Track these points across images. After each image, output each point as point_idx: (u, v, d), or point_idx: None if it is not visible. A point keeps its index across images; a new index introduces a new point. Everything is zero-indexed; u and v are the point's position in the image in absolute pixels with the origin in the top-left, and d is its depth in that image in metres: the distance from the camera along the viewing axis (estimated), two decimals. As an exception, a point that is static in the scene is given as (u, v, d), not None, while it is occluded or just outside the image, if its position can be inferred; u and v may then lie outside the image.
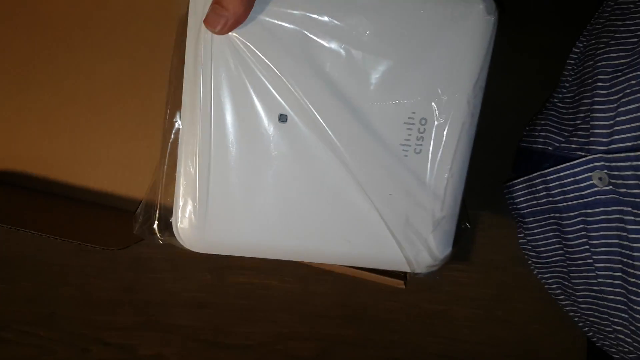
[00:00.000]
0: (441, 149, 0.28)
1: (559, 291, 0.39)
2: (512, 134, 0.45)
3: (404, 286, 0.37)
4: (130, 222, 0.38)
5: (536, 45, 0.45)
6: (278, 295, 0.48)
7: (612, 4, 0.36)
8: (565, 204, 0.34)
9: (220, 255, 0.48)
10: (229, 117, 0.27)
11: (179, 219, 0.28)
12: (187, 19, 0.26)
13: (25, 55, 0.39)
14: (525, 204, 0.38)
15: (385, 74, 0.26)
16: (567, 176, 0.33)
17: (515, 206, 0.39)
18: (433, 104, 0.27)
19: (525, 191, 0.37)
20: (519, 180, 0.38)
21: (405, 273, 0.38)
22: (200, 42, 0.26)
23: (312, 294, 0.48)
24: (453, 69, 0.27)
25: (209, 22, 0.25)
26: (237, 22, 0.25)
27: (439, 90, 0.27)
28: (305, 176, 0.28)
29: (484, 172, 0.45)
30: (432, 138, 0.28)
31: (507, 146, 0.45)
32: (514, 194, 0.39)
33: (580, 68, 0.37)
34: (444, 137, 0.28)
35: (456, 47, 0.27)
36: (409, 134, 0.27)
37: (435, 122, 0.28)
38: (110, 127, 0.39)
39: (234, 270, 0.48)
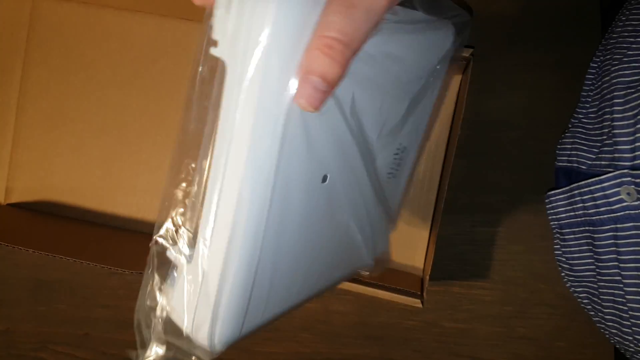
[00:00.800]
0: (407, 170, 0.31)
1: (590, 306, 0.40)
2: (523, 151, 0.46)
3: (421, 305, 0.38)
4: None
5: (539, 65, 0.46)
6: (299, 315, 0.50)
7: (624, 19, 0.38)
8: (597, 217, 0.35)
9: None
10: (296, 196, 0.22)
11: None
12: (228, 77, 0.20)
13: (59, 94, 0.44)
14: (564, 215, 0.40)
15: (397, 120, 0.27)
16: (597, 190, 0.34)
17: (555, 216, 0.41)
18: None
19: (565, 202, 0.39)
20: (559, 190, 0.39)
21: (422, 292, 0.40)
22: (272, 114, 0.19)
23: (333, 313, 0.50)
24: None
25: (309, 101, 0.19)
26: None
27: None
28: (329, 232, 0.25)
29: (500, 189, 0.46)
30: (405, 163, 0.30)
31: (520, 164, 0.46)
32: (555, 204, 0.40)
33: (599, 83, 0.39)
34: (409, 161, 0.30)
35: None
36: (395, 163, 0.30)
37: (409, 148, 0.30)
38: (138, 158, 0.43)
39: (256, 291, 0.51)
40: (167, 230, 0.24)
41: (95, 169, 0.43)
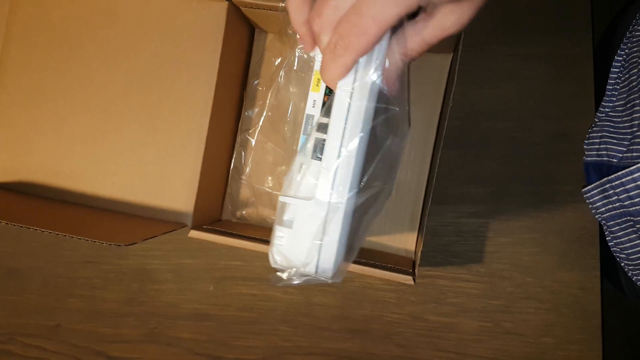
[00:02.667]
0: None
1: None
2: (512, 143, 0.48)
3: (412, 282, 0.38)
4: (138, 223, 0.42)
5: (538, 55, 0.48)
6: (280, 307, 0.50)
7: None
8: (634, 207, 0.36)
9: (223, 265, 0.51)
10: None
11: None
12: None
13: (41, 70, 0.44)
14: (604, 208, 0.41)
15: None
16: (628, 182, 0.35)
17: (596, 211, 0.43)
18: None
19: (601, 196, 0.41)
20: (592, 186, 0.41)
21: (414, 269, 0.40)
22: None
23: (315, 306, 0.50)
24: None
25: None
26: None
27: None
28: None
29: (487, 180, 0.48)
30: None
31: (508, 155, 0.48)
32: (592, 199, 0.42)
33: (627, 75, 0.40)
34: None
35: None
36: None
37: None
38: (119, 136, 0.43)
39: (237, 281, 0.51)
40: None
41: (76, 148, 0.43)
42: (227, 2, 0.42)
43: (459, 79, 0.38)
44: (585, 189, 0.43)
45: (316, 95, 0.31)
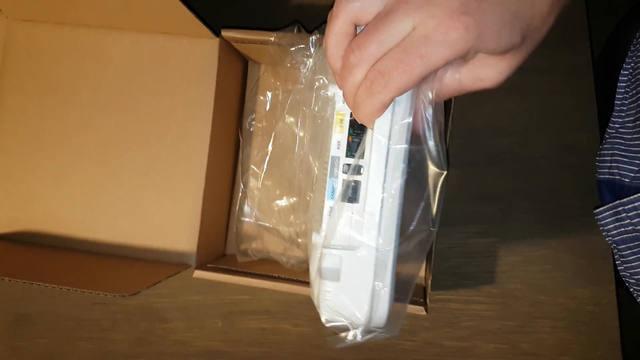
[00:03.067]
0: None
1: None
2: (516, 158, 0.47)
3: (425, 312, 0.38)
4: (141, 267, 0.42)
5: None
6: (291, 340, 0.50)
7: None
8: None
9: (231, 300, 0.51)
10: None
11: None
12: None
13: (37, 118, 0.44)
14: (615, 231, 0.41)
15: None
16: None
17: (607, 233, 0.42)
18: None
19: (613, 218, 0.40)
20: (603, 208, 0.40)
21: (425, 299, 0.40)
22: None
23: (326, 337, 0.49)
24: None
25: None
26: None
27: None
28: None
29: (493, 198, 0.47)
30: None
31: (513, 171, 0.47)
32: (603, 222, 0.42)
33: (634, 92, 0.40)
34: None
35: None
36: None
37: None
38: (119, 180, 0.43)
39: (246, 315, 0.50)
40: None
41: (76, 195, 0.43)
42: (218, 39, 0.42)
43: (458, 97, 0.38)
44: (597, 210, 0.42)
45: (340, 137, 0.30)
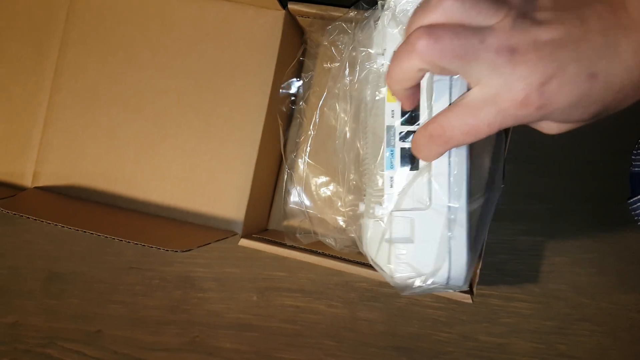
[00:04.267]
0: None
1: None
2: (572, 159, 0.47)
3: (470, 301, 0.38)
4: (190, 230, 0.42)
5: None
6: (324, 321, 0.50)
7: None
8: None
9: (267, 275, 0.51)
10: None
11: None
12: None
13: (96, 75, 0.45)
14: None
15: None
16: None
17: None
18: None
19: None
20: (638, 197, 0.40)
21: (471, 288, 0.40)
22: None
23: (360, 321, 0.50)
24: None
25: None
26: None
27: None
28: None
29: (545, 197, 0.47)
30: None
31: (568, 172, 0.47)
32: (638, 211, 0.42)
33: None
34: None
35: None
36: None
37: None
38: (173, 143, 0.44)
39: (281, 292, 0.51)
40: None
41: (129, 154, 0.44)
42: (283, 11, 0.43)
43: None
44: (632, 200, 0.42)
45: (393, 105, 0.31)
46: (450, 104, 0.27)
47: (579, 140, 0.47)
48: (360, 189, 0.40)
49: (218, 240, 0.41)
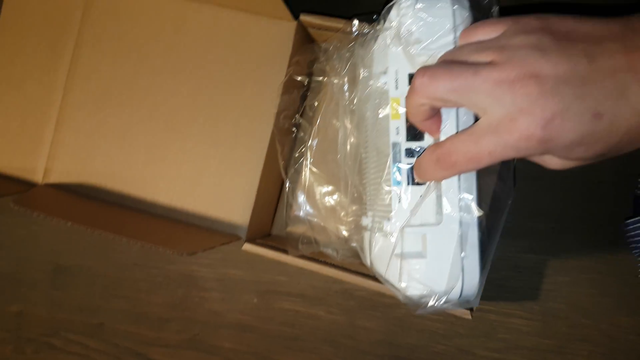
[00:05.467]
0: None
1: None
2: (579, 179, 0.47)
3: (469, 316, 0.39)
4: (195, 232, 0.44)
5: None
6: (323, 327, 0.52)
7: None
8: None
9: (268, 279, 0.52)
10: None
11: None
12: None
13: (109, 76, 0.46)
14: None
15: None
16: None
17: (635, 245, 0.42)
18: None
19: None
20: (637, 218, 0.41)
21: None
22: None
23: (358, 329, 0.51)
24: None
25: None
26: None
27: None
28: None
29: (550, 216, 0.48)
30: None
31: (574, 192, 0.48)
32: (634, 232, 0.42)
33: None
34: None
35: None
36: None
37: None
38: (182, 147, 0.45)
39: (281, 296, 0.52)
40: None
41: (139, 155, 0.46)
42: (295, 22, 0.44)
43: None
44: (630, 220, 0.42)
45: (398, 123, 0.32)
46: (457, 132, 0.28)
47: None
48: (362, 199, 0.41)
49: (223, 244, 0.42)
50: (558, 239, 0.47)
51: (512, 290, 0.48)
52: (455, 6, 0.29)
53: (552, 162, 0.27)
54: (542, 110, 0.22)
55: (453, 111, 0.28)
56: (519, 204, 0.48)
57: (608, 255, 0.47)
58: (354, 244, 0.43)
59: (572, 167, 0.27)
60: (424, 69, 0.25)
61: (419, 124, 0.29)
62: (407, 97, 0.27)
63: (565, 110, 0.22)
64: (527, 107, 0.23)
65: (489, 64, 0.23)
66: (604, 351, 0.47)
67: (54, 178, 0.47)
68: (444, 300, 0.29)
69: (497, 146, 0.24)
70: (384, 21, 0.33)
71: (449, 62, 0.25)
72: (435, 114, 0.28)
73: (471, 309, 0.39)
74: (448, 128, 0.29)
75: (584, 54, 0.23)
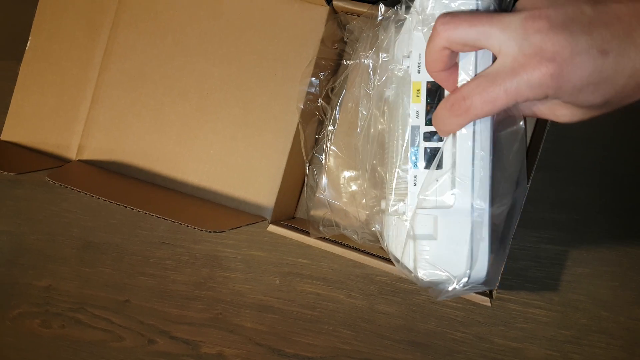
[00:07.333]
0: None
1: None
2: (603, 172, 0.48)
3: (489, 304, 0.40)
4: (223, 212, 0.45)
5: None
6: (343, 310, 0.53)
7: None
8: None
9: (291, 261, 0.54)
10: None
11: None
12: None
13: (144, 56, 0.48)
14: None
15: None
16: None
17: None
18: None
19: None
20: None
21: (491, 291, 0.42)
22: None
23: (378, 313, 0.52)
24: None
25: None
26: None
27: None
28: None
29: (572, 207, 0.48)
30: None
31: (598, 184, 0.48)
32: None
33: None
34: None
35: None
36: None
37: None
38: (213, 127, 0.46)
39: (303, 279, 0.54)
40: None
41: (170, 135, 0.47)
42: (328, 7, 0.45)
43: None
44: None
45: (418, 106, 0.32)
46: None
47: (609, 152, 0.48)
48: (383, 183, 0.42)
49: (249, 224, 0.43)
50: (579, 230, 0.48)
51: (532, 281, 0.48)
52: None
53: (562, 112, 0.28)
54: (552, 44, 0.24)
55: (471, 65, 0.29)
56: (541, 195, 0.48)
57: (629, 248, 0.47)
58: (373, 228, 0.44)
59: (582, 120, 0.28)
60: (446, 13, 0.27)
61: (437, 75, 0.29)
62: (428, 43, 0.28)
63: (575, 44, 0.24)
64: (539, 42, 0.24)
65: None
66: (622, 344, 0.47)
67: (87, 155, 0.49)
68: (463, 282, 0.30)
69: (512, 83, 0.25)
70: (408, 6, 0.34)
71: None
72: (453, 66, 0.28)
73: (490, 296, 0.40)
74: (465, 77, 0.29)
75: (590, 4, 0.24)
